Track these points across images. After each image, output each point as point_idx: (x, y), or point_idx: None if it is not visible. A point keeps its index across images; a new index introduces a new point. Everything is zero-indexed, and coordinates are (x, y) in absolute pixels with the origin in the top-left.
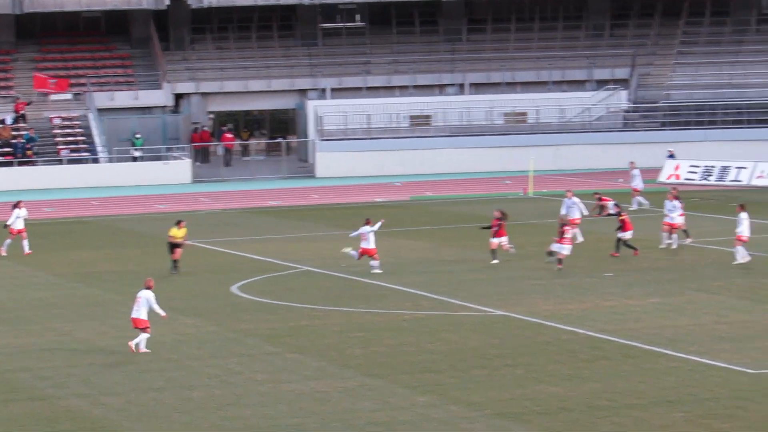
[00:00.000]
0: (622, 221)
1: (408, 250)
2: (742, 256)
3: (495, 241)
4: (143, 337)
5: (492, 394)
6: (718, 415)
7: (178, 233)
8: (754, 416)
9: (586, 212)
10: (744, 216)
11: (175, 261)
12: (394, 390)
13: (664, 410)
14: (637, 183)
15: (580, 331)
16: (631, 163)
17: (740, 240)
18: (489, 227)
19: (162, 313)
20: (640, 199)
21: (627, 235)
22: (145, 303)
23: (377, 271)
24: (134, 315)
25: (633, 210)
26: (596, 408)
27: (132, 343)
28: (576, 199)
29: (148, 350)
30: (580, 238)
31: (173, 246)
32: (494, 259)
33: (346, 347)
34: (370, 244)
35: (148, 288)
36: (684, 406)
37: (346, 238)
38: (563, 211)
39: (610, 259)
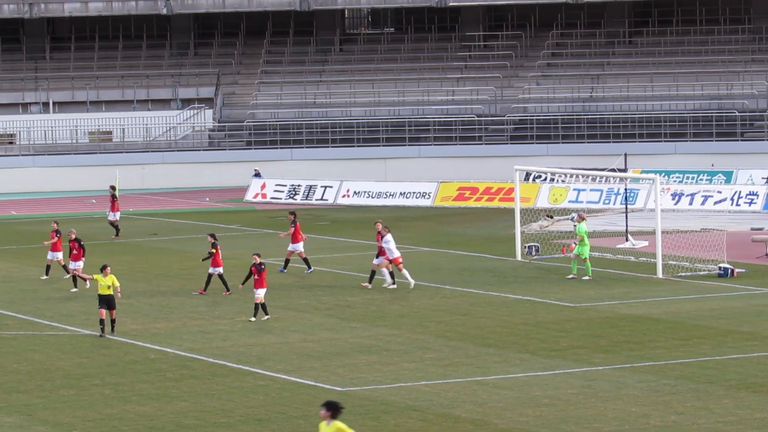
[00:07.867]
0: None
1: None
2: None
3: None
4: None
5: (80, 413)
6: None
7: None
8: None
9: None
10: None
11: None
12: None
13: (253, 428)
14: None
15: (169, 350)
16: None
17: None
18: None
19: None
20: None
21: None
22: None
23: None
24: None
25: None
26: (185, 427)
27: None
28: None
29: None
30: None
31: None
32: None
33: None
34: None
35: None
36: (273, 424)
37: None
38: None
39: (198, 279)
